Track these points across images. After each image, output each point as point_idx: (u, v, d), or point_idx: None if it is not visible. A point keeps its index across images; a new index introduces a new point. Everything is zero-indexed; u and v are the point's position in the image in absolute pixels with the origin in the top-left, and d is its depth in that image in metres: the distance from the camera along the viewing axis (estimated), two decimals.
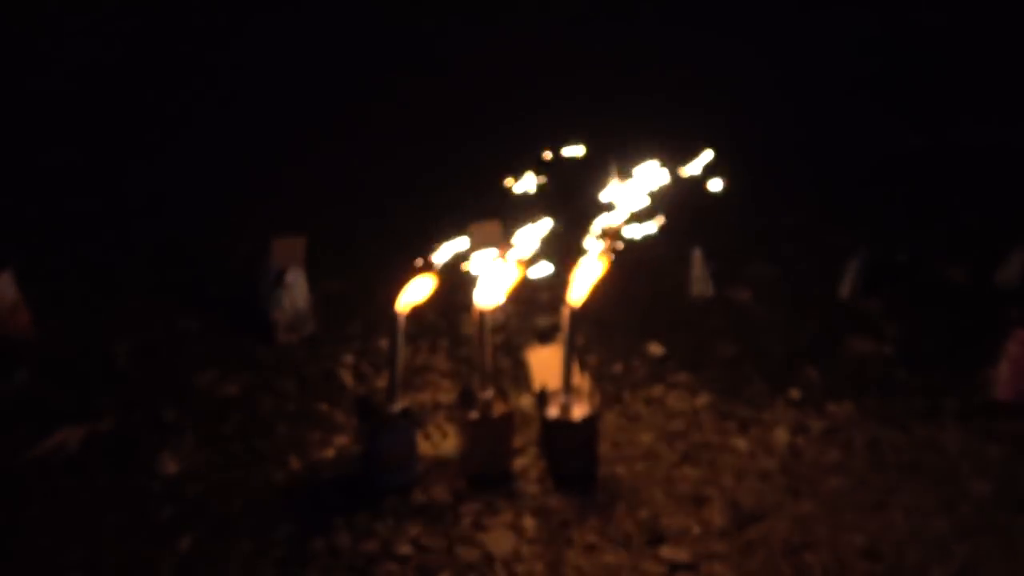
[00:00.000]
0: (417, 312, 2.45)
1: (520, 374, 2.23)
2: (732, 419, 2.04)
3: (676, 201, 1.80)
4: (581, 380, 1.86)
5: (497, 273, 1.76)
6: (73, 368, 2.25)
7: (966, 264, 2.71)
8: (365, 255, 2.85)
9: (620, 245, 1.76)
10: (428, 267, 1.72)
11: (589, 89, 4.25)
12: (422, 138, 3.83)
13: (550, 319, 2.47)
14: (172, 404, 2.08)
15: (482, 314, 1.73)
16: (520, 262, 1.81)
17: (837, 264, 2.64)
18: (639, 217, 1.84)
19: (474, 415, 1.77)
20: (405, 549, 1.64)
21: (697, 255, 2.57)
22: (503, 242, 2.38)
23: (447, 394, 2.13)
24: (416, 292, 1.73)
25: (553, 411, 1.80)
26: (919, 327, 2.40)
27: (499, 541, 1.67)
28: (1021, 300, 2.52)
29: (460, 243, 1.80)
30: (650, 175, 1.83)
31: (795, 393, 2.13)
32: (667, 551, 1.66)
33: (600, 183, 1.81)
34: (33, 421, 2.02)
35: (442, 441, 1.96)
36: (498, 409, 1.78)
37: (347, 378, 2.20)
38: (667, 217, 1.81)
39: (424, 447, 1.92)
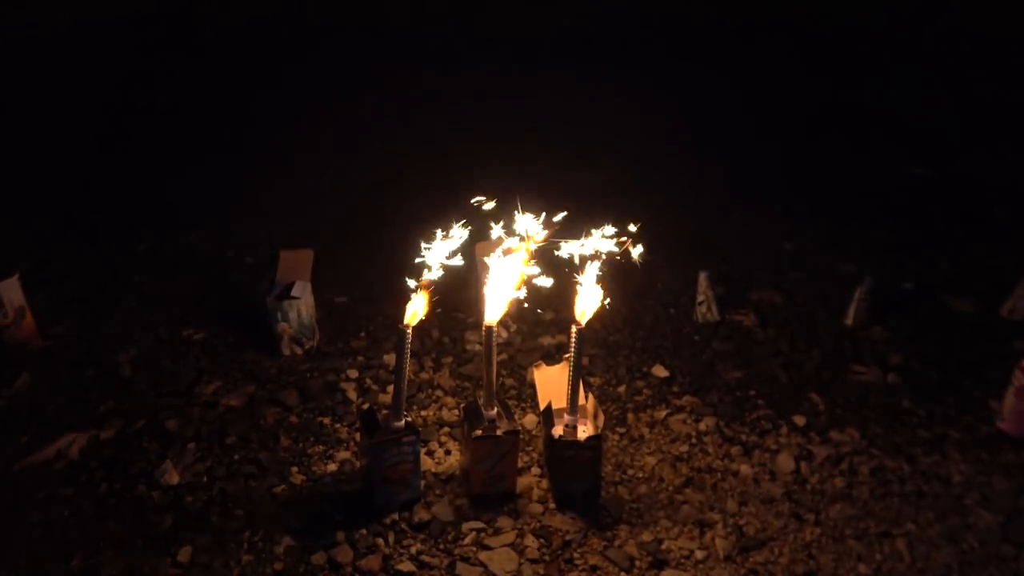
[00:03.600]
0: (422, 329, 2.47)
1: (525, 392, 2.23)
2: (736, 444, 2.04)
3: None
4: (586, 400, 1.85)
5: (504, 286, 1.76)
6: (76, 375, 2.25)
7: (972, 294, 2.72)
8: (371, 269, 2.86)
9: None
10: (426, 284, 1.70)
11: (588, 105, 4.28)
12: (430, 152, 3.85)
13: (555, 339, 2.47)
14: (175, 414, 2.08)
15: (488, 330, 1.73)
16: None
17: (842, 292, 2.65)
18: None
19: (478, 432, 1.76)
20: (406, 566, 1.63)
21: (703, 279, 2.58)
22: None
23: (451, 411, 2.13)
24: (419, 306, 1.71)
25: (558, 430, 1.79)
26: (924, 357, 2.40)
27: (501, 560, 1.66)
28: None
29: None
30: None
31: (799, 419, 2.13)
32: (669, 575, 1.65)
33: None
34: (35, 427, 2.02)
35: (445, 458, 1.95)
36: (502, 427, 1.77)
37: (351, 392, 2.20)
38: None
39: (427, 464, 1.91)
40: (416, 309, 1.70)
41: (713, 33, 5.19)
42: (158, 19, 4.98)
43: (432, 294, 1.71)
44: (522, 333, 2.50)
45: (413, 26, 5.17)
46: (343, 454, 1.96)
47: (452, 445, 2.00)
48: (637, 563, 1.67)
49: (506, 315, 1.82)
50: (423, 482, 1.84)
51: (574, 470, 1.80)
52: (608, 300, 1.78)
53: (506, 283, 1.75)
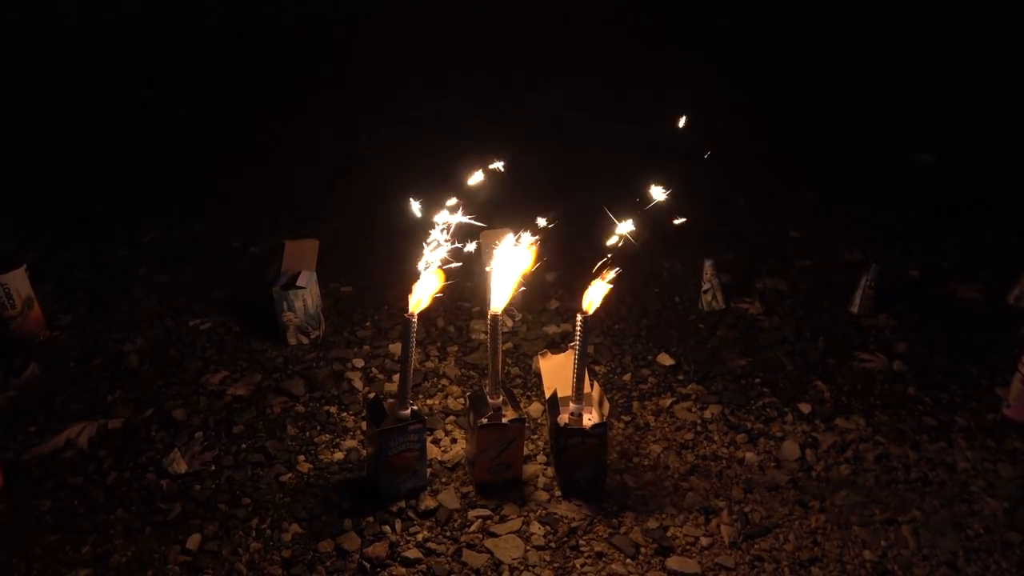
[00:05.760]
0: (427, 318, 2.47)
1: (530, 381, 2.23)
2: (741, 431, 2.04)
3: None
4: (591, 389, 1.85)
5: (507, 276, 1.76)
6: (84, 365, 2.26)
7: (979, 282, 2.71)
8: (377, 259, 2.86)
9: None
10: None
11: (590, 100, 4.27)
12: (433, 144, 3.84)
13: (561, 327, 2.47)
14: (182, 403, 2.09)
15: (494, 318, 1.73)
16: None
17: (848, 279, 2.64)
18: None
19: (484, 421, 1.76)
20: (413, 553, 1.64)
21: (708, 267, 2.57)
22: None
23: (457, 400, 2.14)
24: (424, 291, 1.71)
25: (563, 418, 1.79)
26: (930, 344, 2.40)
27: (507, 547, 1.67)
28: None
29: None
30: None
31: (805, 407, 2.13)
32: (675, 562, 1.65)
33: None
34: (43, 417, 2.03)
35: (451, 446, 1.96)
36: (508, 415, 1.78)
37: (357, 381, 2.21)
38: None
39: (433, 452, 1.92)
40: (421, 297, 1.70)
41: (716, 19, 5.16)
42: (161, 10, 4.97)
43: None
44: (527, 322, 2.50)
45: (412, 15, 5.15)
46: (349, 442, 1.97)
47: (458, 433, 2.01)
48: (643, 550, 1.68)
49: (511, 304, 1.82)
50: (429, 470, 1.84)
51: (580, 458, 1.80)
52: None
53: (511, 272, 1.75)
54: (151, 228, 3.09)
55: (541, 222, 1.78)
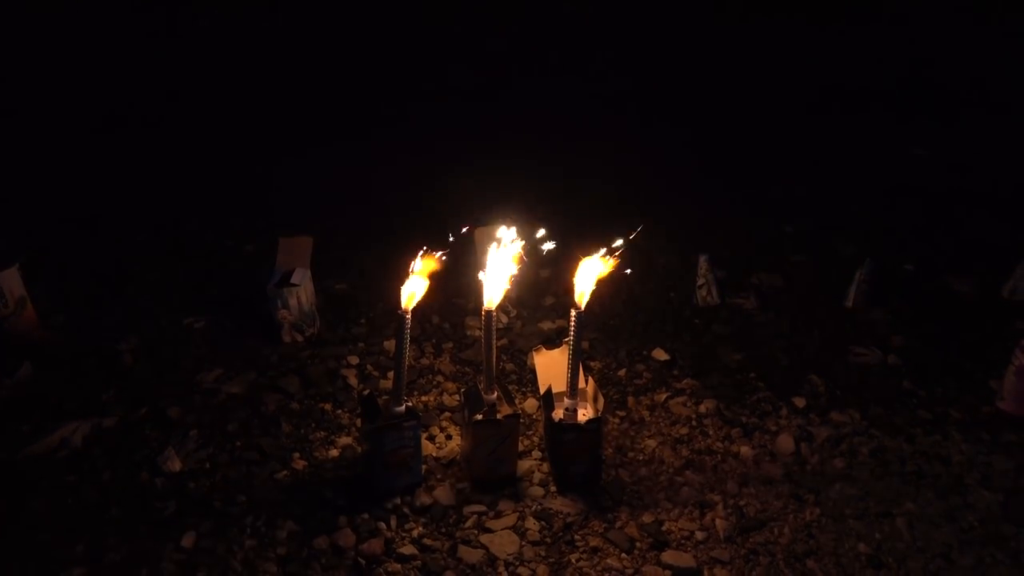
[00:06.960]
0: (422, 315, 2.47)
1: (525, 377, 2.23)
2: (736, 426, 2.04)
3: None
4: (586, 384, 1.85)
5: (502, 272, 1.76)
6: (78, 364, 2.25)
7: (973, 275, 2.72)
8: (371, 256, 2.86)
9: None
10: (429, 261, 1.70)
11: (595, 96, 4.27)
12: (427, 147, 3.84)
13: (555, 323, 2.47)
14: (176, 402, 2.08)
15: (488, 315, 1.73)
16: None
17: (843, 274, 2.64)
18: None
19: (478, 417, 1.76)
20: (408, 549, 1.64)
21: (703, 263, 2.57)
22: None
23: (452, 396, 2.14)
24: (417, 287, 1.71)
25: (558, 414, 1.79)
26: (925, 338, 2.40)
27: (502, 542, 1.67)
28: None
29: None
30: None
31: (800, 401, 2.13)
32: (670, 556, 1.65)
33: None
34: (38, 417, 2.03)
35: (446, 443, 1.96)
36: (503, 411, 1.78)
37: (351, 378, 2.20)
38: None
39: (428, 448, 1.92)
40: (414, 292, 1.69)
41: (712, 18, 5.16)
42: (154, 8, 4.96)
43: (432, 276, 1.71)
44: (522, 318, 2.50)
45: (409, 18, 5.15)
46: (344, 440, 1.97)
47: (453, 430, 2.00)
48: (638, 544, 1.68)
49: (505, 300, 1.82)
50: (424, 467, 1.84)
51: (575, 453, 1.80)
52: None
53: (505, 269, 1.75)
54: (144, 227, 3.08)
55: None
